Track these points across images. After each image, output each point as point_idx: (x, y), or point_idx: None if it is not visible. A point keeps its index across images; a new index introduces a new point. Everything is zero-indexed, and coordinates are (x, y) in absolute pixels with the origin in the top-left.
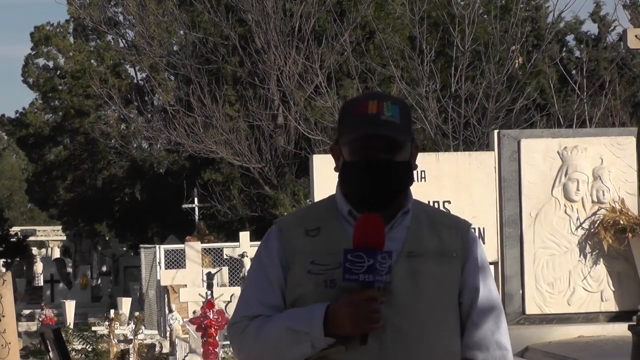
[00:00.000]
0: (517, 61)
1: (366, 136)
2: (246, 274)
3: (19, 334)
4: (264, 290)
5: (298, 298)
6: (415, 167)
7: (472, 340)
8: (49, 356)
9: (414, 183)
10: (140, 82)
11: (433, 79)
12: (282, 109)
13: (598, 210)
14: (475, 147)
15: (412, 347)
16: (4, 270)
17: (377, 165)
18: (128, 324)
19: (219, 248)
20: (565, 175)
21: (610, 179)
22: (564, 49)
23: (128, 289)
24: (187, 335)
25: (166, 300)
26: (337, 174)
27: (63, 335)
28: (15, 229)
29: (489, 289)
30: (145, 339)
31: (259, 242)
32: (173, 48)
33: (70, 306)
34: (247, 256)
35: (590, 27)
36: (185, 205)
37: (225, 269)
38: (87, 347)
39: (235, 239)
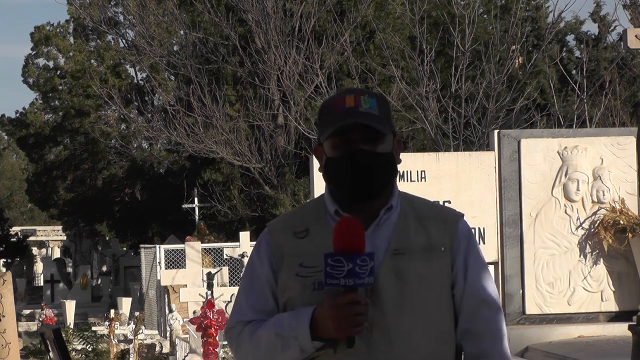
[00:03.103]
0: (517, 61)
1: (345, 127)
2: None
3: (19, 334)
4: (255, 296)
5: (287, 301)
6: (399, 161)
7: (466, 330)
8: (49, 356)
9: (411, 183)
10: (140, 82)
11: (433, 79)
12: (282, 109)
13: (598, 210)
14: (475, 147)
15: (399, 347)
16: (4, 270)
17: (359, 155)
18: (128, 324)
19: (219, 248)
20: (565, 175)
21: (610, 179)
22: (564, 49)
23: (128, 289)
24: (187, 335)
25: (166, 300)
26: (322, 174)
27: (63, 335)
28: (15, 229)
29: (482, 281)
30: (145, 339)
31: None
32: (173, 48)
33: (70, 306)
34: (247, 256)
35: (590, 27)
36: (185, 205)
37: (225, 269)
38: (87, 347)
39: (236, 239)
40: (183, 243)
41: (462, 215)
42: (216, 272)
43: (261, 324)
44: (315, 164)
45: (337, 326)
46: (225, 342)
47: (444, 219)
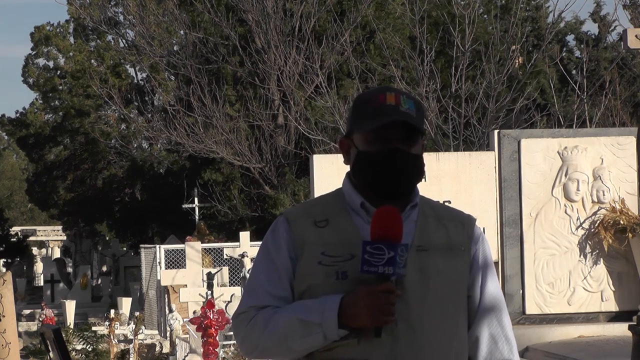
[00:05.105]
0: (517, 61)
1: (387, 124)
2: (246, 274)
3: (19, 334)
4: (271, 281)
5: (307, 289)
6: (423, 164)
7: (480, 334)
8: (49, 356)
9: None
10: (140, 82)
11: (433, 79)
12: (282, 109)
13: (598, 210)
14: (475, 147)
15: (423, 341)
16: (4, 270)
17: (396, 154)
18: (128, 324)
19: (219, 248)
20: (566, 175)
21: (610, 179)
22: (564, 49)
23: (128, 289)
24: (187, 335)
25: (166, 300)
26: (348, 167)
27: (63, 335)
28: (15, 229)
29: (495, 285)
30: (145, 339)
31: (259, 242)
32: (173, 48)
33: (70, 306)
34: (247, 256)
35: (591, 27)
36: (185, 205)
37: (225, 269)
38: (88, 347)
39: (236, 239)
40: (183, 243)
41: (475, 219)
42: (216, 272)
43: (277, 310)
44: (316, 164)
45: (370, 314)
46: (226, 342)
47: (462, 220)
